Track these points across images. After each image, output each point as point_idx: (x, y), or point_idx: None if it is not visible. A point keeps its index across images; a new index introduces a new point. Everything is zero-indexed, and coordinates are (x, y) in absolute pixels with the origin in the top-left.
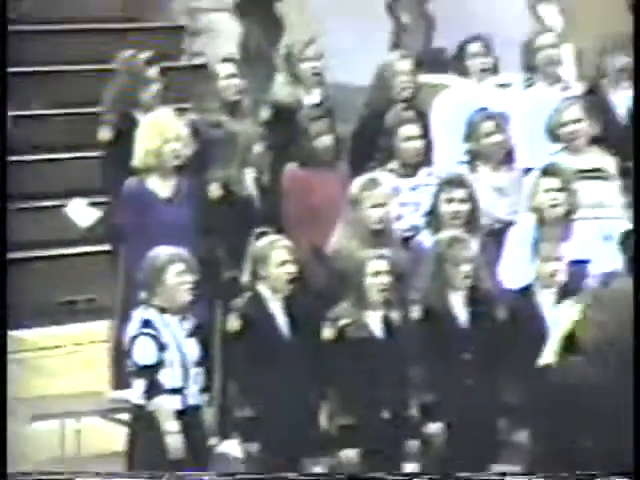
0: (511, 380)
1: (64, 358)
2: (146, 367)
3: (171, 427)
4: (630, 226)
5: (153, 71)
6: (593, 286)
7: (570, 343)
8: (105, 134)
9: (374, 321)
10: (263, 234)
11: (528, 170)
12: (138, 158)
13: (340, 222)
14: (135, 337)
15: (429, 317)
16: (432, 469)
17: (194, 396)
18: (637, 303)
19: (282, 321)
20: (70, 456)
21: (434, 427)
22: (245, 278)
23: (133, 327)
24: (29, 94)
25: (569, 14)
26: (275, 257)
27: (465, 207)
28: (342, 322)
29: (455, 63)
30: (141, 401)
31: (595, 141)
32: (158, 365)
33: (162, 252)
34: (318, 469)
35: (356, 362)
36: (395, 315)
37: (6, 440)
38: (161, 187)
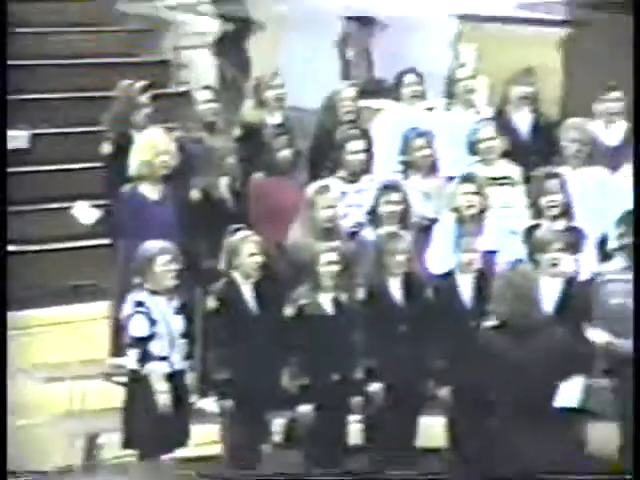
0: (437, 346)
1: (72, 332)
2: (139, 339)
3: (160, 387)
4: (531, 222)
5: (146, 97)
6: (502, 270)
7: None
8: (106, 149)
9: (326, 301)
10: (236, 230)
11: (450, 178)
12: (133, 168)
13: (298, 220)
14: (130, 315)
15: (371, 297)
16: (373, 420)
17: (179, 362)
18: (637, 300)
19: (251, 301)
20: (77, 411)
21: (375, 386)
22: (221, 266)
23: (128, 306)
24: (45, 116)
25: (482, 52)
26: (246, 249)
27: (400, 208)
28: (301, 302)
29: (392, 91)
30: (136, 366)
31: (504, 155)
32: (149, 337)
33: (152, 245)
34: (280, 421)
35: (312, 334)
36: (344, 296)
37: (6, 440)
38: (151, 192)
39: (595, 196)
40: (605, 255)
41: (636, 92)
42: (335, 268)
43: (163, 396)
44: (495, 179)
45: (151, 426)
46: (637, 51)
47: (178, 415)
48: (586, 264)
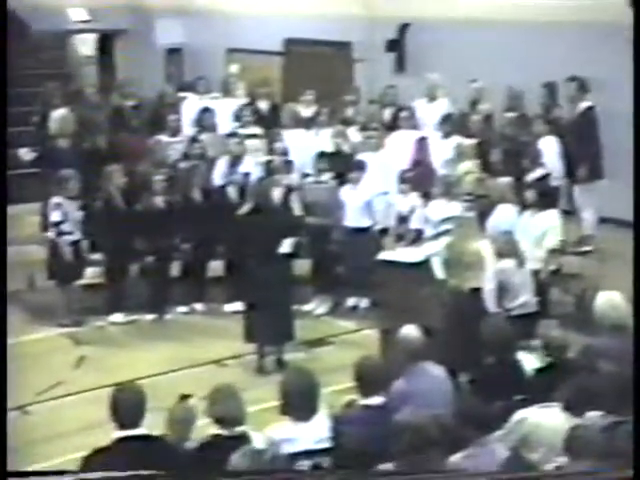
0: (219, 223)
1: (18, 219)
2: (56, 222)
3: (67, 249)
4: (267, 158)
5: (58, 92)
6: (253, 183)
7: None
8: (36, 118)
9: (159, 202)
10: (110, 165)
11: (225, 135)
12: (52, 129)
13: (145, 158)
14: (52, 209)
15: (186, 201)
16: (188, 260)
17: (78, 235)
18: (637, 300)
19: (119, 201)
20: (22, 261)
21: (185, 246)
22: (103, 184)
23: (51, 204)
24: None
25: (242, 69)
26: (115, 174)
27: (198, 151)
28: (146, 203)
29: (193, 88)
30: (54, 238)
31: (254, 122)
32: (62, 222)
33: (65, 172)
34: (135, 266)
35: (152, 221)
36: (169, 198)
37: (6, 441)
38: (63, 143)
39: (301, 144)
40: (306, 174)
41: (636, 91)
42: (164, 183)
43: (68, 253)
44: (249, 135)
45: (63, 268)
46: (637, 50)
47: (77, 262)
48: (294, 181)
